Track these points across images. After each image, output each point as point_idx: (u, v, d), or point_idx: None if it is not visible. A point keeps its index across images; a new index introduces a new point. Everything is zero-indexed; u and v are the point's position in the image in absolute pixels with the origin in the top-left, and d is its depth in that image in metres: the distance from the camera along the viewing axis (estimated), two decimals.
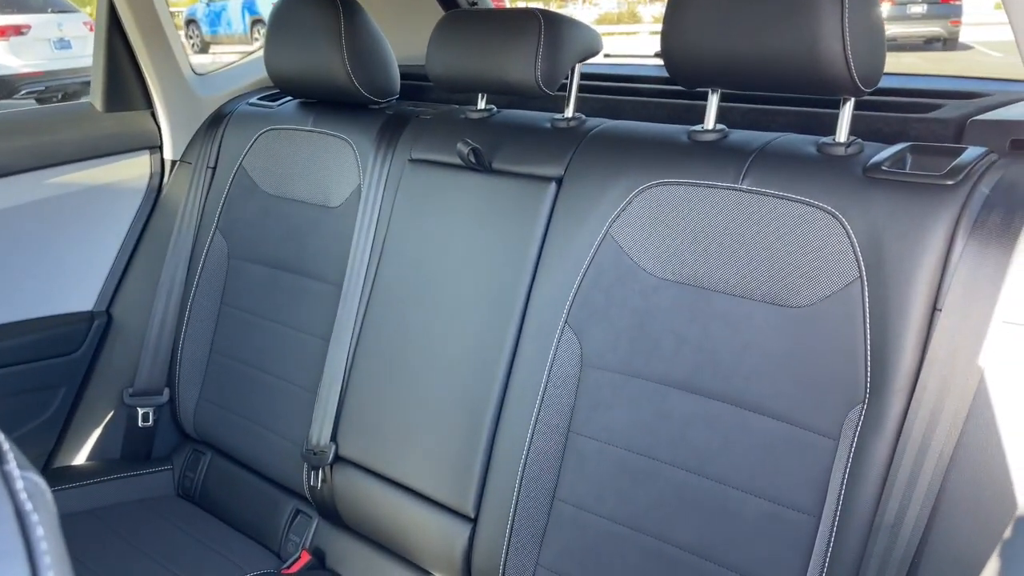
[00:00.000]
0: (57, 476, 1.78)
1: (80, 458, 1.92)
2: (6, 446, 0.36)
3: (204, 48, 14.70)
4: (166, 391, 1.86)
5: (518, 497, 1.30)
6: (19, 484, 0.34)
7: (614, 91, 1.67)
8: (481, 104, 1.57)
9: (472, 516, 1.37)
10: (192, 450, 1.85)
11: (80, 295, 1.89)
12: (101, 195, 1.88)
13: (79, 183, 1.84)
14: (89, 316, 1.88)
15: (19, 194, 1.76)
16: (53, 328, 1.83)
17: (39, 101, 8.32)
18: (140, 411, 1.86)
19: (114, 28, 1.86)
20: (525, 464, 1.30)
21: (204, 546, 1.63)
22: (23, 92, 8.52)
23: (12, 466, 0.35)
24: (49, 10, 8.92)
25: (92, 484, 1.76)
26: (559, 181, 1.37)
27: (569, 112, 1.47)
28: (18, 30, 8.68)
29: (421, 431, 1.44)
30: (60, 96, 8.53)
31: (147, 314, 1.87)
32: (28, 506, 0.34)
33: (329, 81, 1.65)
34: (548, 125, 1.47)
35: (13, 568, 0.31)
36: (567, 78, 1.47)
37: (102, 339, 1.90)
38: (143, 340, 1.87)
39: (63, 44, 8.82)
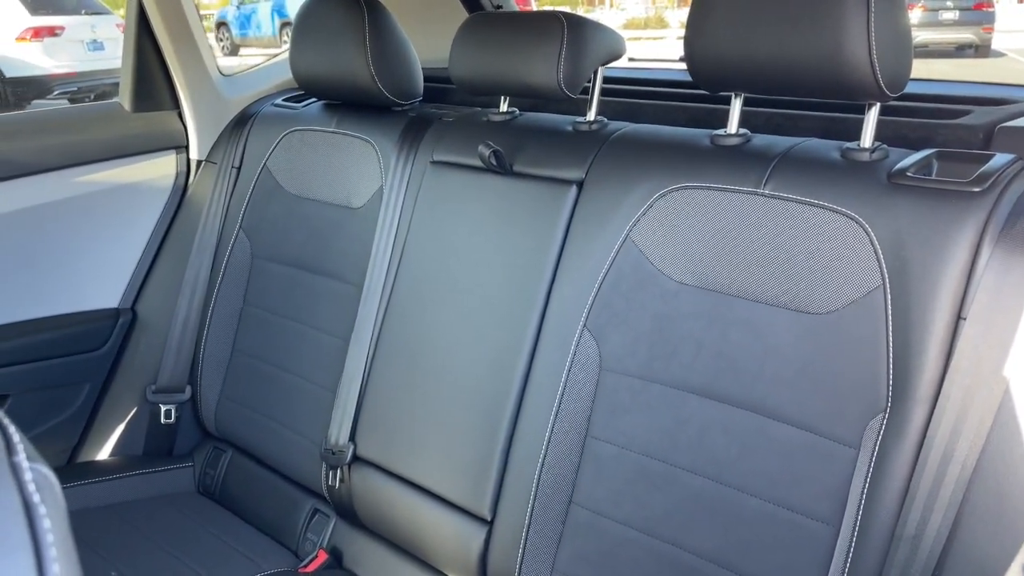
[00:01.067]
0: (80, 471, 1.80)
1: (103, 453, 1.94)
2: (16, 438, 0.36)
3: (234, 50, 14.86)
4: (188, 389, 1.88)
5: (534, 500, 1.30)
6: (28, 475, 0.34)
7: (636, 95, 1.66)
8: (503, 107, 1.57)
9: (488, 519, 1.37)
10: (213, 447, 1.87)
11: (106, 292, 1.91)
12: (128, 194, 1.91)
13: (107, 182, 1.87)
14: (114, 313, 1.90)
15: (48, 192, 1.79)
16: (79, 325, 1.85)
17: (71, 101, 8.46)
18: (163, 408, 1.88)
19: (143, 30, 1.89)
20: (542, 468, 1.29)
21: (223, 543, 1.64)
22: (56, 92, 8.67)
23: (21, 458, 0.35)
24: (83, 12, 9.07)
25: (115, 479, 1.78)
26: (580, 184, 1.37)
27: (591, 115, 1.47)
28: (52, 31, 8.84)
29: (439, 432, 1.44)
30: (92, 97, 8.67)
31: (171, 312, 1.89)
32: (36, 498, 0.34)
33: (353, 83, 1.66)
34: (570, 128, 1.47)
35: (19, 559, 0.32)
36: (589, 81, 1.47)
37: (127, 336, 1.93)
38: (166, 338, 1.89)
39: (96, 45, 8.96)
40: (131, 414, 1.94)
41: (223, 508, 1.79)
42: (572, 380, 1.29)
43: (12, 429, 0.36)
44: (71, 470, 1.83)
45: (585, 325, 1.29)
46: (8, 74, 8.74)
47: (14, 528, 0.32)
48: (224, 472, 1.83)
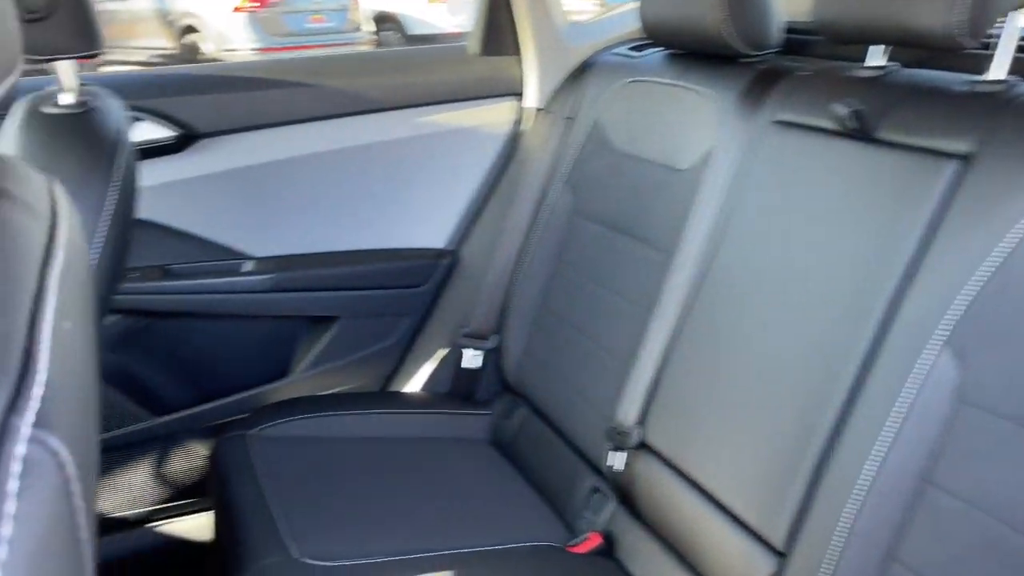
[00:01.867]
0: (389, 400, 1.88)
1: (413, 386, 2.01)
2: (37, 391, 0.26)
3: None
4: (494, 337, 1.87)
5: (846, 546, 1.05)
6: (20, 449, 0.24)
7: None
8: (879, 60, 1.28)
9: (781, 550, 1.15)
10: (510, 400, 1.84)
11: (434, 232, 1.96)
12: (464, 137, 1.92)
13: (446, 124, 1.90)
14: (439, 253, 1.95)
15: (392, 129, 1.85)
16: (406, 260, 1.92)
17: None
18: (469, 352, 1.89)
19: None
20: (860, 509, 1.04)
21: (500, 500, 1.60)
22: None
23: (24, 422, 0.25)
24: None
25: (417, 414, 1.83)
26: (965, 159, 1.06)
27: (999, 73, 1.13)
28: None
29: (736, 436, 1.24)
30: None
31: (489, 259, 1.89)
32: (14, 484, 0.24)
33: (703, 28, 1.48)
34: (963, 88, 1.15)
35: None
36: (997, 27, 1.13)
37: (446, 277, 1.96)
38: (481, 284, 1.89)
39: None
40: (441, 354, 1.98)
41: (510, 464, 1.75)
42: (918, 408, 1.01)
43: (38, 379, 0.27)
44: (382, 397, 1.92)
45: (946, 341, 1.00)
46: (410, 31, 9.76)
47: None
48: (517, 428, 1.79)
